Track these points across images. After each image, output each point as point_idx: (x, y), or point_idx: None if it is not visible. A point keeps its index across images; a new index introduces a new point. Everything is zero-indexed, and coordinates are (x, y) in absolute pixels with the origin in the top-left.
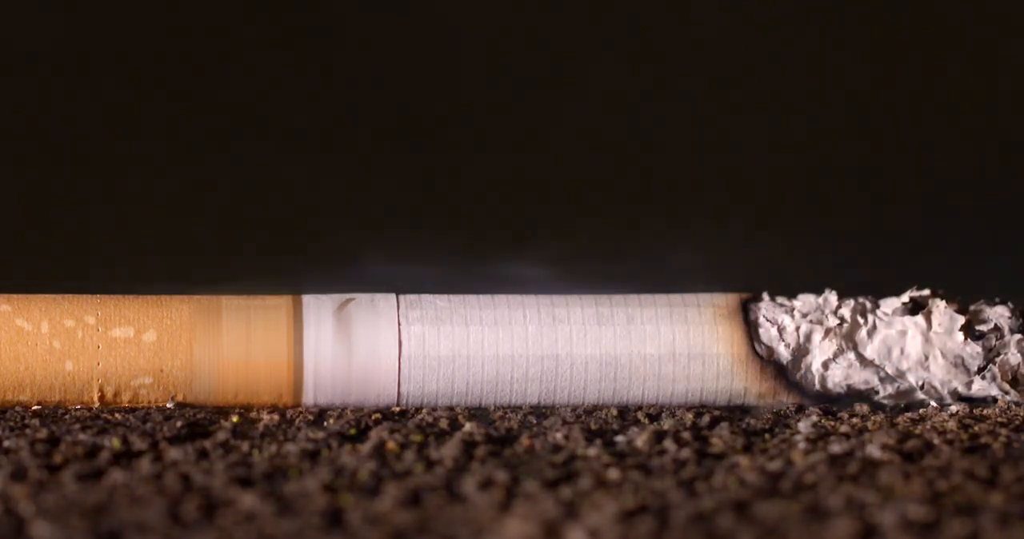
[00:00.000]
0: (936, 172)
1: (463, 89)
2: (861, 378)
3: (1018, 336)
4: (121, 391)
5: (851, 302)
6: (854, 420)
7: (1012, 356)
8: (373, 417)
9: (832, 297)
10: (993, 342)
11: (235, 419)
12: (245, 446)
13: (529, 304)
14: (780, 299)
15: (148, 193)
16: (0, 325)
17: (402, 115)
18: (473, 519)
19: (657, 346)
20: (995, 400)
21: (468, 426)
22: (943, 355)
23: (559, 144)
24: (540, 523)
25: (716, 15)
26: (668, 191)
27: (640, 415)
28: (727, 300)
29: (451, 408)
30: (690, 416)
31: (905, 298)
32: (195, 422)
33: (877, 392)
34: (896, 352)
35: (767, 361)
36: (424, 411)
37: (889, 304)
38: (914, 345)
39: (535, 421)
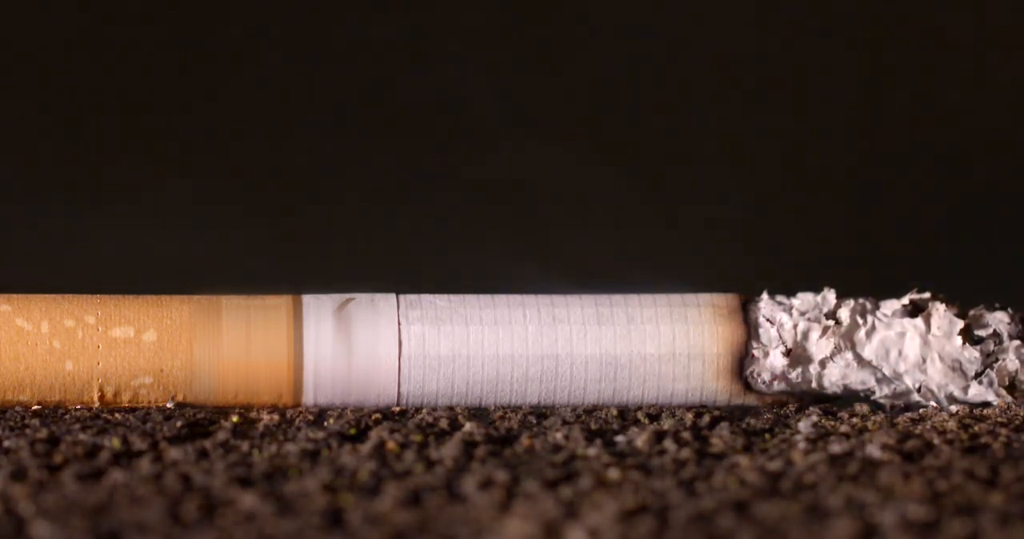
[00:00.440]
0: (936, 172)
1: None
2: (858, 378)
3: (1017, 342)
4: (121, 391)
5: (851, 302)
6: (854, 420)
7: (1010, 362)
8: (373, 417)
9: (831, 296)
10: (992, 347)
11: (235, 419)
12: (245, 446)
13: (529, 304)
14: (779, 297)
15: (148, 193)
16: (0, 325)
17: (402, 114)
18: (473, 519)
19: (657, 346)
20: (989, 405)
21: (468, 426)
22: (941, 358)
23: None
24: (540, 523)
25: (716, 15)
26: (666, 190)
27: (640, 415)
28: (727, 300)
29: (451, 408)
30: (690, 416)
31: (905, 300)
32: (195, 422)
33: (873, 392)
34: (894, 354)
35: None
36: (424, 411)
37: (889, 306)
38: (912, 347)
39: (535, 421)
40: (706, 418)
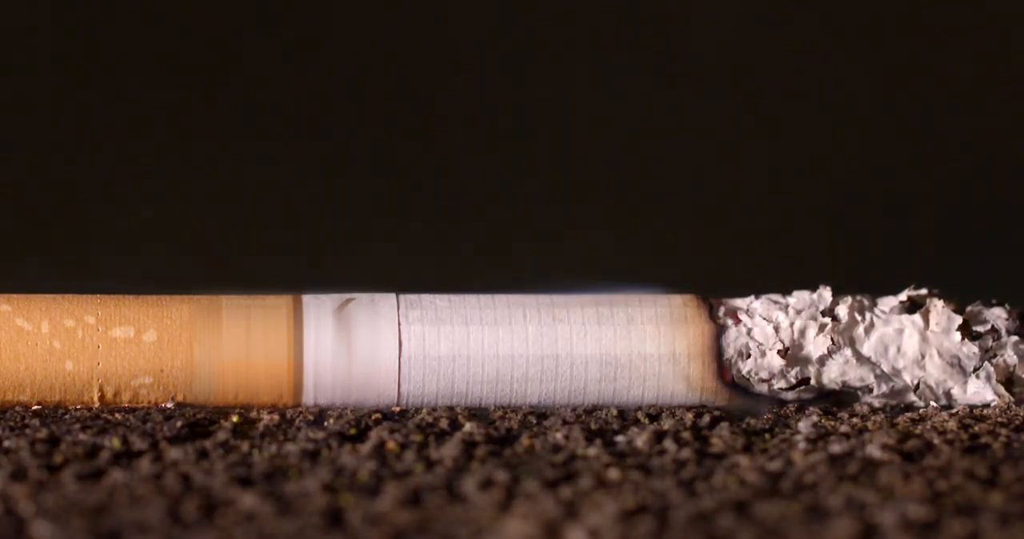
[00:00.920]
0: (935, 172)
1: (462, 89)
2: (857, 375)
3: (1015, 338)
4: (121, 391)
5: (848, 299)
6: (854, 420)
7: (1008, 358)
8: (373, 417)
9: (826, 293)
10: (990, 343)
11: (235, 419)
12: (245, 446)
13: (529, 304)
14: (774, 296)
15: (148, 193)
16: (0, 325)
17: (401, 115)
18: (473, 519)
19: (657, 346)
20: (986, 406)
21: (468, 426)
22: (939, 354)
23: (556, 144)
24: (540, 523)
25: (717, 16)
26: (666, 191)
27: (640, 415)
28: (725, 300)
29: (451, 408)
30: (690, 416)
31: (903, 296)
32: (195, 422)
33: (871, 390)
34: (893, 350)
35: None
36: (424, 411)
37: (887, 302)
38: (911, 344)
39: (535, 421)
40: (706, 418)
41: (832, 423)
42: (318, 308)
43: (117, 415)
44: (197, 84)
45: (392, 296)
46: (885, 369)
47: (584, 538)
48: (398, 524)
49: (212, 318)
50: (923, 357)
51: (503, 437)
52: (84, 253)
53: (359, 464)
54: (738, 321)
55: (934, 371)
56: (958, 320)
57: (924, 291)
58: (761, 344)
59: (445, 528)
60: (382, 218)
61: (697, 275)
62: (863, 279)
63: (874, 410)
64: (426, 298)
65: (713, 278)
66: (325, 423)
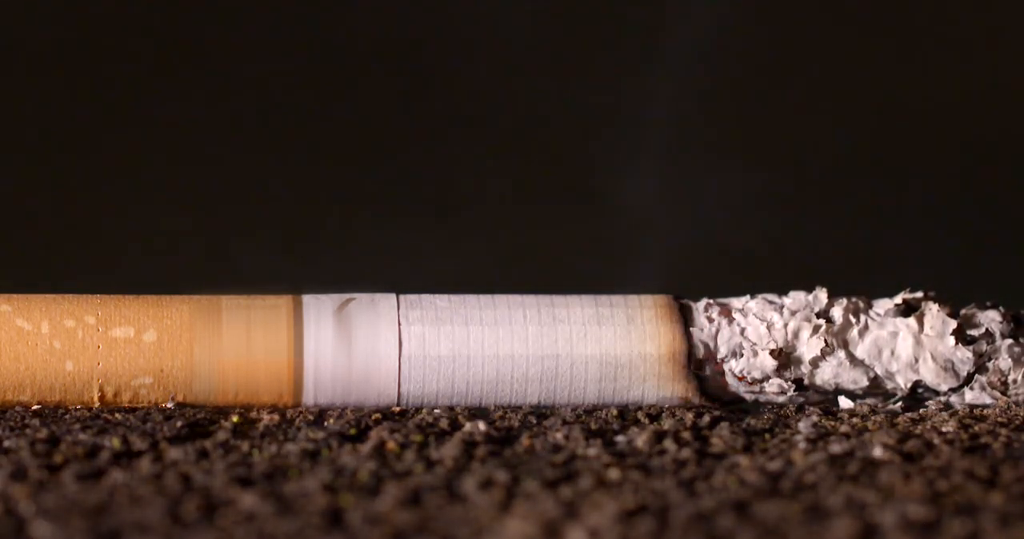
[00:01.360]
0: (934, 172)
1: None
2: (850, 377)
3: (1009, 341)
4: (121, 391)
5: (843, 301)
6: (854, 420)
7: (1003, 361)
8: (373, 417)
9: (822, 295)
10: (984, 347)
11: (235, 419)
12: (245, 446)
13: (529, 304)
14: (770, 296)
15: (148, 193)
16: (0, 325)
17: (402, 114)
18: (473, 519)
19: (656, 346)
20: (986, 406)
21: (468, 426)
22: (933, 358)
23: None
24: (540, 523)
25: (715, 13)
26: (666, 191)
27: (640, 415)
28: (722, 300)
29: (451, 408)
30: (690, 416)
31: (898, 299)
32: (195, 422)
33: (862, 392)
34: (887, 353)
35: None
36: (424, 411)
37: (882, 305)
38: (905, 347)
39: (535, 421)
40: (706, 418)
41: (832, 423)
42: (318, 308)
43: (117, 415)
44: (198, 83)
45: (392, 296)
46: (879, 372)
47: (584, 538)
48: (398, 524)
49: (212, 318)
50: (917, 361)
51: (503, 437)
52: (84, 253)
53: (359, 464)
54: (732, 320)
55: (928, 375)
56: (952, 324)
57: (919, 294)
58: (755, 344)
59: (445, 528)
60: (382, 218)
61: (697, 275)
62: (859, 281)
63: (874, 410)
64: (426, 298)
65: (713, 278)
66: (325, 423)
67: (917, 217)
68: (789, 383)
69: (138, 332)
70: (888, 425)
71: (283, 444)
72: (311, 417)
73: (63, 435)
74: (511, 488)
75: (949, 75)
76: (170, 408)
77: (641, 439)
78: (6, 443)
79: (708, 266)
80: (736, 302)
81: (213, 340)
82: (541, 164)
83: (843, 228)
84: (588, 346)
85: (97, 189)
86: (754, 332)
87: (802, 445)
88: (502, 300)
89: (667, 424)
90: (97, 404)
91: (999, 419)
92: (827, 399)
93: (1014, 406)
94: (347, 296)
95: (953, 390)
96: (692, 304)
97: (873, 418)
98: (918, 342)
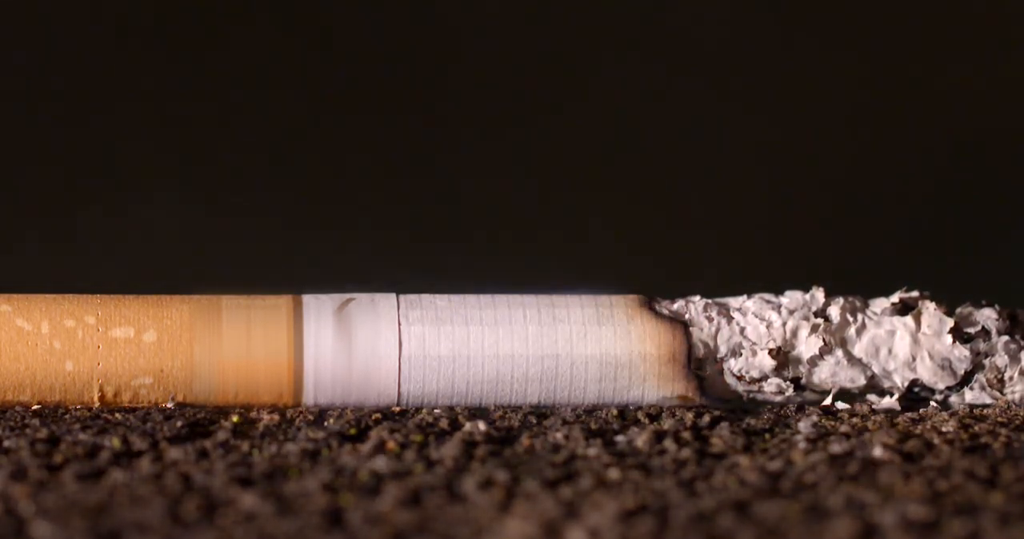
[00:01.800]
0: (931, 174)
1: (463, 90)
2: (848, 376)
3: (1005, 338)
4: (121, 391)
5: (840, 300)
6: (854, 420)
7: (999, 358)
8: (373, 417)
9: (819, 294)
10: (981, 345)
11: (235, 419)
12: (245, 446)
13: (529, 304)
14: (767, 295)
15: (148, 193)
16: (0, 325)
17: (402, 114)
18: (473, 519)
19: (656, 346)
20: (986, 406)
21: (468, 426)
22: (931, 357)
23: (556, 145)
24: (540, 523)
25: (718, 16)
26: (663, 190)
27: (640, 415)
28: (721, 300)
29: (451, 408)
30: (690, 416)
31: (895, 298)
32: (195, 422)
33: (860, 391)
34: (884, 352)
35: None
36: (424, 411)
37: (878, 304)
38: (902, 346)
39: (535, 421)
40: (706, 418)
41: (832, 423)
42: (318, 308)
43: (117, 415)
44: (198, 84)
45: (392, 296)
46: (876, 371)
47: (584, 538)
48: (398, 524)
49: (212, 318)
50: (914, 359)
51: (503, 437)
52: (84, 253)
53: (359, 464)
54: (730, 320)
55: (925, 373)
56: (949, 323)
57: (916, 293)
58: (755, 343)
59: (445, 528)
60: (383, 218)
61: (697, 275)
62: (856, 280)
63: (874, 410)
64: (426, 298)
65: (713, 278)
66: (325, 423)
67: (913, 216)
68: (787, 383)
69: (138, 332)
70: (888, 425)
71: (283, 444)
72: (311, 417)
73: (63, 435)
74: (511, 488)
75: (948, 75)
76: (170, 408)
77: (641, 439)
78: (6, 443)
79: (708, 266)
80: (734, 302)
81: (213, 340)
82: (541, 164)
83: (841, 228)
84: (588, 346)
85: (98, 189)
86: (754, 331)
87: (802, 445)
88: (502, 300)
89: (667, 424)
90: (97, 404)
91: (999, 419)
92: (823, 398)
93: (1014, 406)
94: (347, 296)
95: (950, 389)
96: (692, 304)
97: (873, 418)
98: (915, 341)
